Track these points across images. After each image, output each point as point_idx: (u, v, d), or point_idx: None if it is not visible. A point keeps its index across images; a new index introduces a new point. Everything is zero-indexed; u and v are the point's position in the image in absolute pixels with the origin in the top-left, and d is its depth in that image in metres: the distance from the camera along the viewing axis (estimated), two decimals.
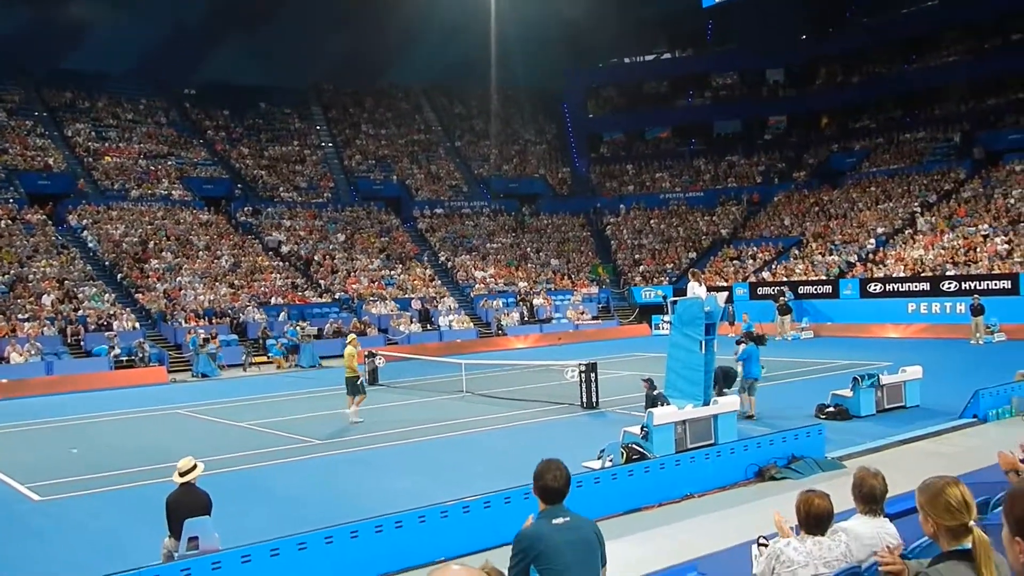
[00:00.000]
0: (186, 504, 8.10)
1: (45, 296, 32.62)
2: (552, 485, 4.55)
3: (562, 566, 4.42)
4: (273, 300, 36.41)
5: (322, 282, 39.33)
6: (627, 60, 59.12)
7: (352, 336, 20.49)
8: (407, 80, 58.80)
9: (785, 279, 38.09)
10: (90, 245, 37.61)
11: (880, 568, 4.06)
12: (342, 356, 32.22)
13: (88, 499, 12.47)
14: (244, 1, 47.27)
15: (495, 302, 40.45)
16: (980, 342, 28.47)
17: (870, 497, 4.95)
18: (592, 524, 4.72)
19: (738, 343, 16.90)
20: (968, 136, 45.53)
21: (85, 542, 10.34)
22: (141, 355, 30.02)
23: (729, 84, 58.80)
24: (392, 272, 41.76)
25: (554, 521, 4.50)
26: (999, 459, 6.79)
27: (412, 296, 39.52)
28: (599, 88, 60.56)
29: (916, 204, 40.48)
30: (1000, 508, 5.84)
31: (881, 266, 36.02)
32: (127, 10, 44.36)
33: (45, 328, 30.72)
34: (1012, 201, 36.70)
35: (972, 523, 3.26)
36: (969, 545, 3.20)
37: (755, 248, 43.52)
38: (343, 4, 48.22)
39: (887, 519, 5.03)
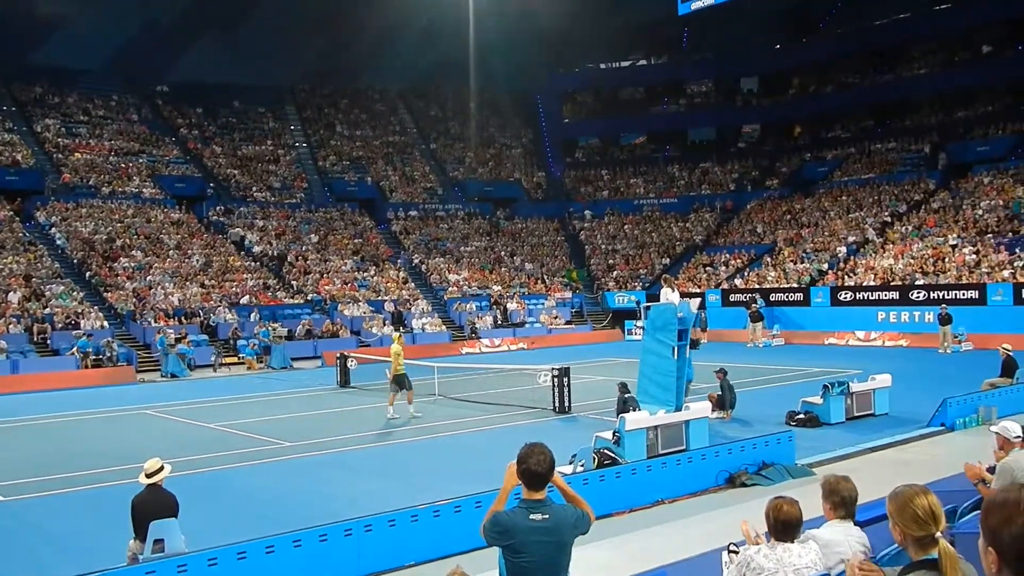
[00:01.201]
0: (152, 506, 8.00)
1: (12, 294, 32.14)
2: (535, 469, 4.52)
3: (528, 563, 4.46)
4: (244, 300, 36.10)
5: (294, 283, 39.08)
6: (603, 66, 59.32)
7: (398, 335, 21.32)
8: (383, 82, 58.63)
9: (757, 286, 38.35)
10: (58, 242, 37.10)
11: None
12: (318, 358, 32.63)
13: (52, 500, 12.29)
14: None
15: (468, 305, 40.38)
16: (948, 351, 28.80)
17: (843, 503, 4.97)
18: (572, 518, 4.64)
19: None
20: (937, 147, 46.13)
21: (49, 543, 10.18)
22: (109, 354, 29.67)
23: (704, 92, 59.21)
24: (365, 274, 41.56)
25: (532, 516, 4.48)
26: (966, 471, 6.86)
27: (385, 298, 39.36)
28: (575, 93, 60.74)
29: (886, 214, 40.94)
30: (967, 517, 5.91)
31: (852, 275, 36.36)
32: (99, 5, 43.85)
33: (11, 326, 30.28)
34: (980, 212, 37.19)
35: (939, 534, 3.27)
36: (936, 555, 3.20)
37: (728, 255, 43.77)
38: (320, 5, 48.02)
39: (857, 526, 5.06)
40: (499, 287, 43.12)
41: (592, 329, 41.25)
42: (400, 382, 18.50)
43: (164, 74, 51.08)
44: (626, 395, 15.00)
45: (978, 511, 5.77)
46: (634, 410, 13.83)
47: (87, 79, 48.51)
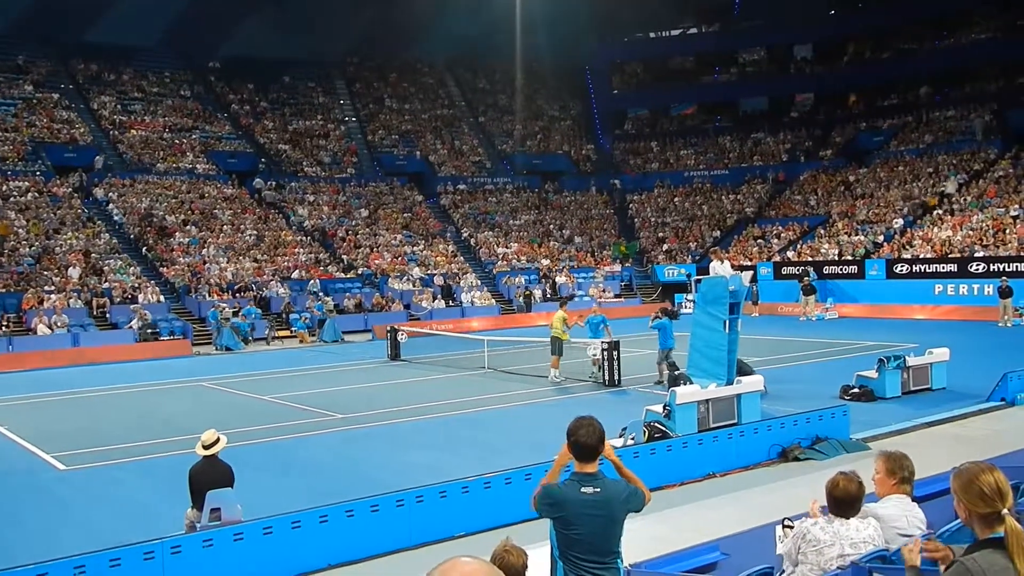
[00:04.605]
0: (209, 476, 8.17)
1: (72, 269, 32.88)
2: (584, 441, 4.57)
3: (578, 536, 4.51)
4: (296, 275, 36.52)
5: (345, 257, 39.41)
6: (653, 35, 58.49)
7: (563, 304, 22.53)
8: (431, 55, 58.47)
9: (810, 259, 37.74)
10: (116, 218, 37.83)
11: (925, 555, 3.97)
12: (368, 331, 32.93)
13: (112, 469, 12.60)
14: None
15: (517, 279, 40.38)
16: (1008, 324, 28.10)
17: (909, 480, 4.90)
18: (623, 494, 4.64)
19: (654, 317, 18.26)
20: (999, 115, 44.77)
21: (109, 511, 10.44)
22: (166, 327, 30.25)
23: (756, 60, 58.08)
24: (415, 248, 41.77)
25: (583, 490, 4.52)
26: None
27: (434, 272, 39.53)
28: (624, 64, 59.98)
29: (945, 184, 39.93)
30: None
31: (908, 247, 35.59)
32: None
33: (71, 300, 30.99)
34: None
35: (1005, 512, 3.19)
36: (1003, 533, 3.12)
37: (780, 227, 43.13)
38: None
39: (915, 503, 4.97)
40: (548, 260, 43.03)
41: (641, 302, 40.98)
42: (556, 345, 19.45)
43: (215, 50, 51.59)
44: (676, 372, 14.93)
45: None
46: (685, 384, 13.73)
47: (141, 56, 49.16)
